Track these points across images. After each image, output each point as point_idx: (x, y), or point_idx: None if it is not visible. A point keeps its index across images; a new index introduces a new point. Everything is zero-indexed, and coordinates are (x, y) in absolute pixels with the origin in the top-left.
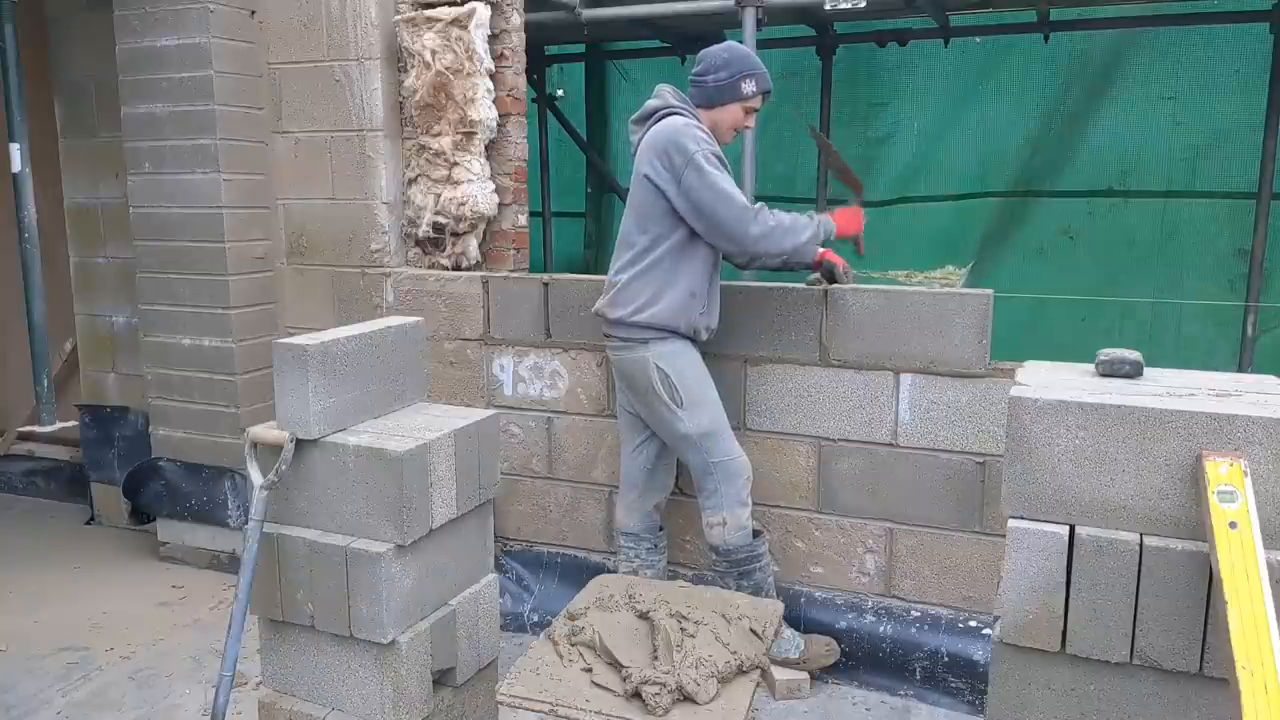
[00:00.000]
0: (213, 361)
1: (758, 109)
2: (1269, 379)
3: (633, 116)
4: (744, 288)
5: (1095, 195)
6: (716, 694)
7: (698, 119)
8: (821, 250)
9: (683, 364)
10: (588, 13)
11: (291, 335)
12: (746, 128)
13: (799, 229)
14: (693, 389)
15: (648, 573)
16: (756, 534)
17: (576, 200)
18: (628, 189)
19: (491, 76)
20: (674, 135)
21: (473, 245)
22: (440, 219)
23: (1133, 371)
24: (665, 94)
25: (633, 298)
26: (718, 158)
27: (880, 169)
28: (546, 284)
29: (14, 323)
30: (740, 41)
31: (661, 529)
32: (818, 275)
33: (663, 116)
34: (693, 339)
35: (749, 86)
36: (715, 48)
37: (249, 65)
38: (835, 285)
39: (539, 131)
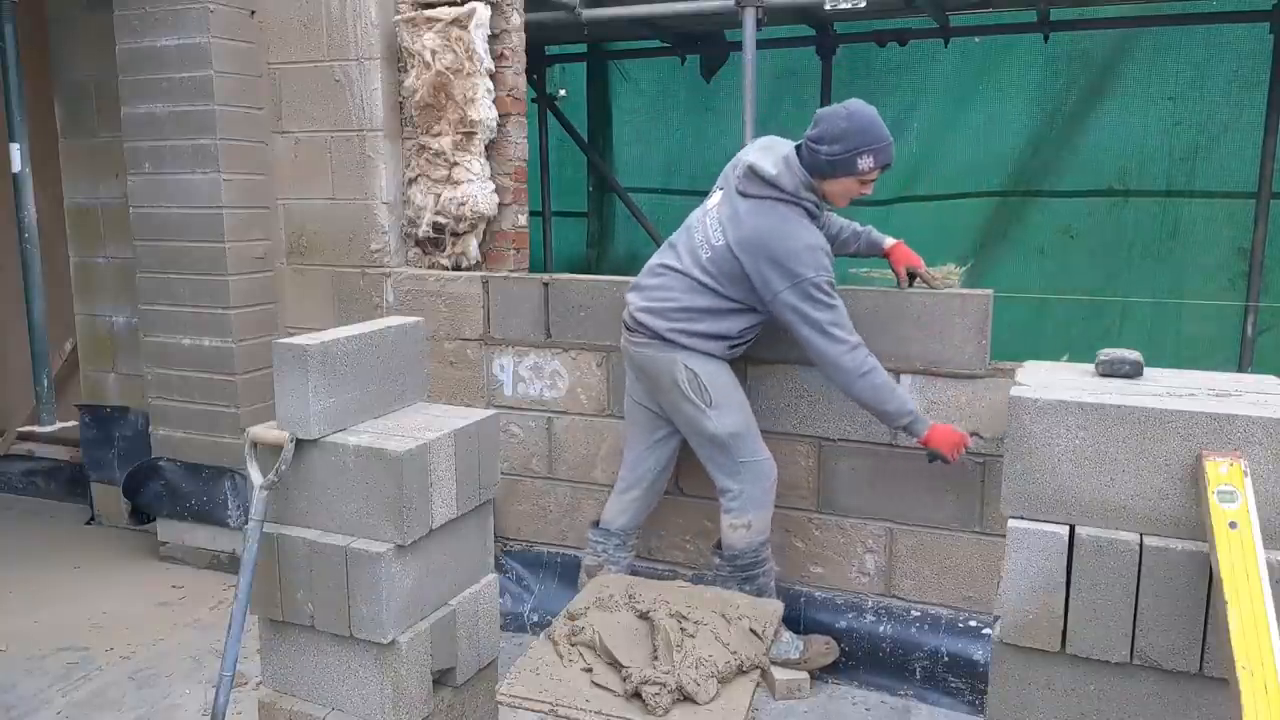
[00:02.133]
0: (213, 361)
1: (875, 179)
2: (1269, 379)
3: (757, 166)
4: None
5: (1095, 195)
6: (716, 694)
7: (815, 200)
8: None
9: (713, 366)
10: (588, 13)
11: (291, 335)
12: (863, 194)
13: (896, 401)
14: (722, 389)
15: (612, 568)
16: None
17: (576, 200)
18: (629, 189)
19: (491, 76)
20: (792, 253)
21: (473, 245)
22: (440, 219)
23: (1133, 371)
24: (783, 164)
25: (677, 319)
26: (830, 285)
27: None
28: (546, 284)
29: (14, 323)
30: (740, 42)
31: (639, 527)
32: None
33: (772, 199)
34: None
35: (865, 163)
36: (835, 110)
37: (249, 65)
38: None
39: (539, 131)
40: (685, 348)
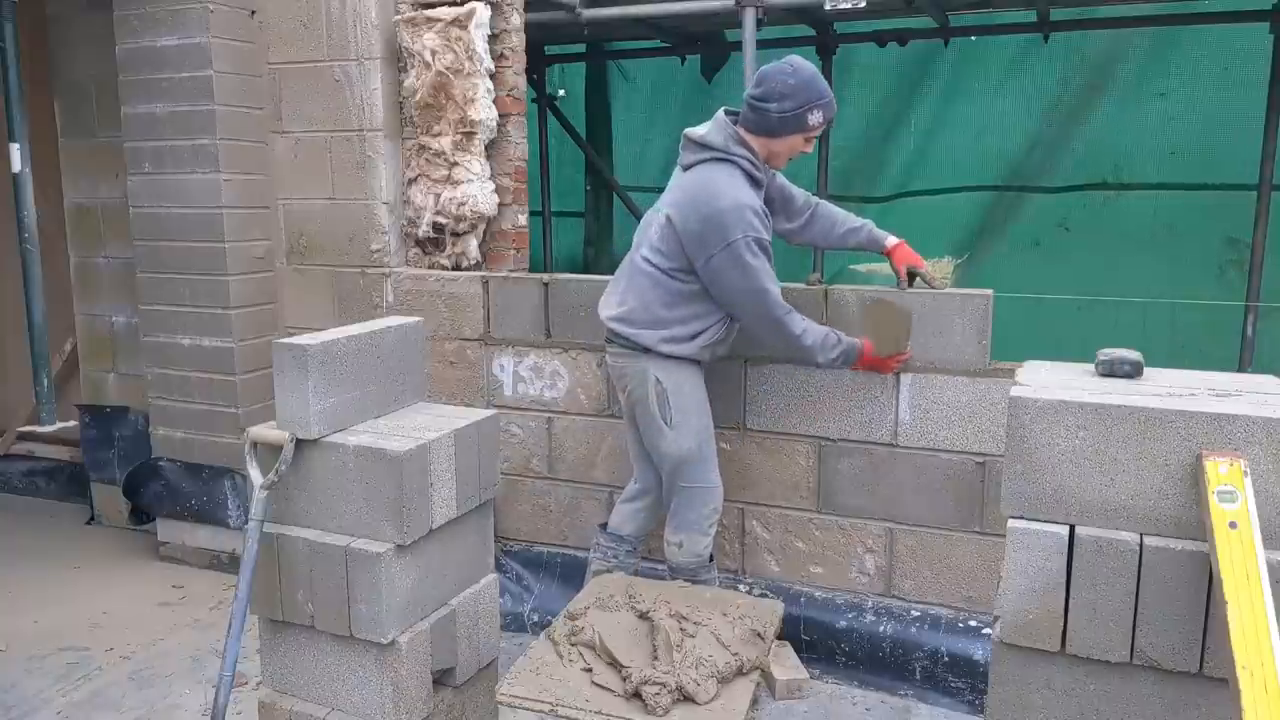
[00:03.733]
0: (213, 361)
1: (818, 135)
2: (1269, 379)
3: (689, 132)
4: None
5: (1091, 189)
6: (716, 694)
7: (750, 157)
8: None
9: (682, 380)
10: (588, 13)
11: (291, 335)
12: (805, 153)
13: (827, 348)
14: (686, 408)
15: (621, 574)
16: (709, 560)
17: (576, 200)
18: (628, 188)
19: (491, 76)
20: (719, 212)
21: (473, 245)
22: (440, 219)
23: (1132, 371)
24: (719, 136)
25: (641, 320)
26: (759, 245)
27: (880, 166)
28: (546, 284)
29: (14, 323)
30: (739, 42)
31: (648, 534)
32: (818, 275)
33: (704, 160)
34: (696, 362)
35: (815, 118)
36: (779, 68)
37: (249, 65)
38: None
39: (539, 131)
40: (656, 354)
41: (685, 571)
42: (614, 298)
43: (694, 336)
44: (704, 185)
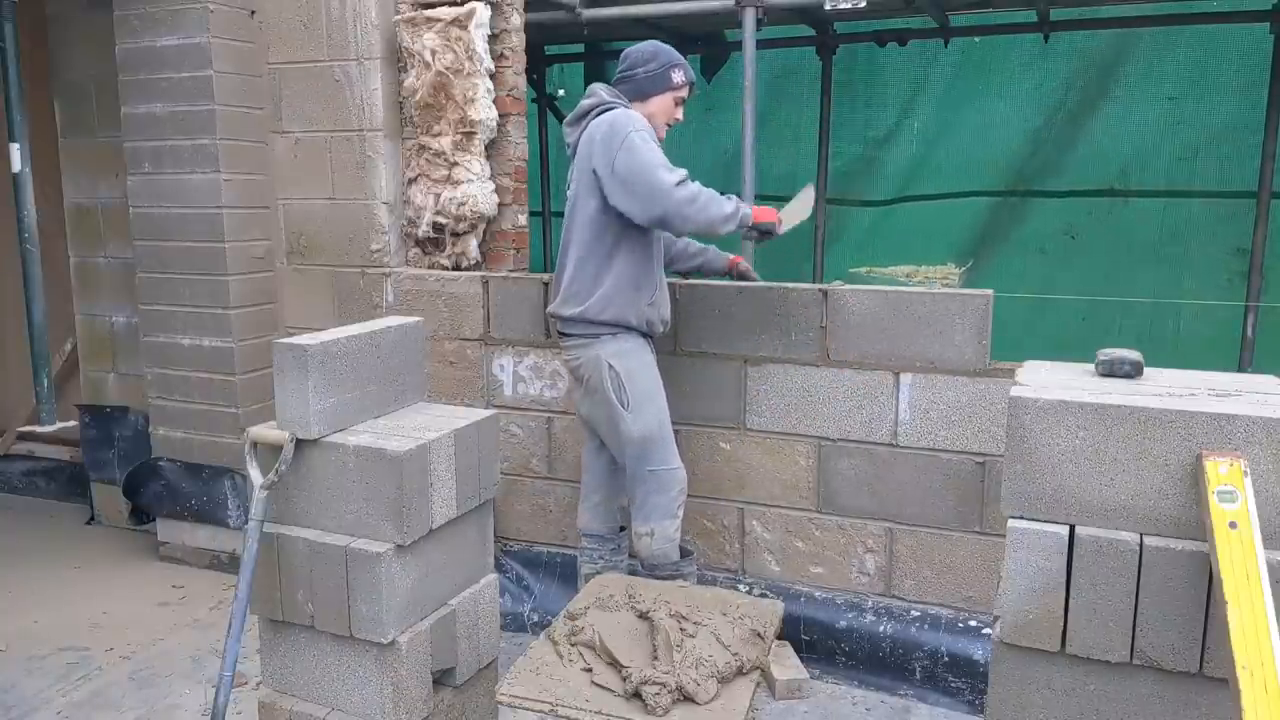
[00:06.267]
0: (213, 361)
1: (685, 99)
2: (1269, 379)
3: (566, 119)
4: (744, 288)
5: (1095, 195)
6: (716, 694)
7: (627, 102)
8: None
9: (634, 364)
10: (588, 13)
11: (291, 335)
12: (677, 120)
13: (721, 203)
14: (640, 390)
15: (612, 573)
16: (687, 554)
17: None
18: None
19: (491, 76)
20: (612, 122)
21: (473, 245)
22: (440, 219)
23: (1133, 371)
24: (599, 92)
25: (581, 294)
26: (651, 136)
27: (881, 168)
28: (546, 284)
29: (14, 323)
30: (740, 42)
31: (622, 529)
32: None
33: (600, 113)
34: (648, 334)
35: (678, 76)
36: (637, 45)
37: (249, 65)
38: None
39: (539, 131)
40: (607, 334)
41: (665, 566)
42: (556, 297)
43: (637, 289)
44: (594, 125)
